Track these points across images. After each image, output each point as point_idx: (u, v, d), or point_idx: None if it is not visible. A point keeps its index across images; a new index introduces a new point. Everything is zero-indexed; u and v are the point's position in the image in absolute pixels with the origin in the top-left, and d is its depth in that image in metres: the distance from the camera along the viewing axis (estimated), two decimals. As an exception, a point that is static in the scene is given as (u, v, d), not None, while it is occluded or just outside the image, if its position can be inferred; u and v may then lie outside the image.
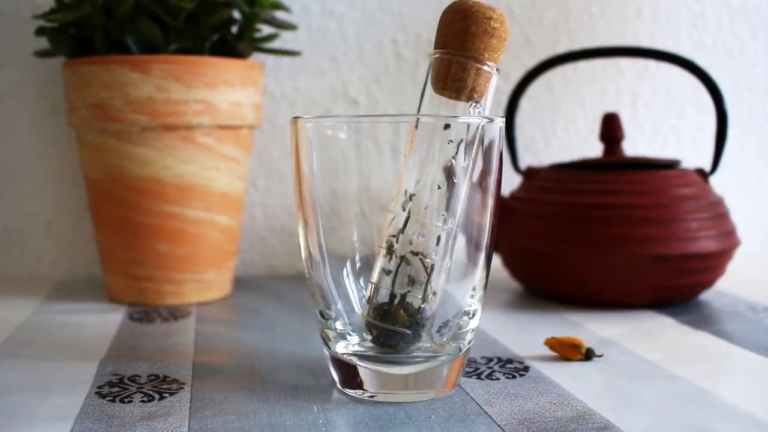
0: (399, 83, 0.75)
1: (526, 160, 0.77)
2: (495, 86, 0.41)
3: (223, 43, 0.62)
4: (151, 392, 0.41)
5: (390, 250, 0.39)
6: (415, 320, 0.39)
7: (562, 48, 0.78)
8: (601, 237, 0.57)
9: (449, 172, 0.39)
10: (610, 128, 0.65)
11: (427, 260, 0.39)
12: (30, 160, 0.71)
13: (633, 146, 0.81)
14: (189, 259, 0.60)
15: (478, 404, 0.39)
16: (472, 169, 0.39)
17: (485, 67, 0.39)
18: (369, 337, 0.40)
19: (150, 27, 0.58)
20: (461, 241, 0.40)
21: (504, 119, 0.40)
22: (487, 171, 0.39)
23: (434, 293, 0.40)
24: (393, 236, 0.39)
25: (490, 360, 0.46)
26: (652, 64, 0.80)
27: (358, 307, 0.40)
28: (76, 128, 0.61)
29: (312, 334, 0.52)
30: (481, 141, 0.39)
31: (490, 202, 0.40)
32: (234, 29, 0.64)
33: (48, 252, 0.72)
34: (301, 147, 0.39)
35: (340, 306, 0.40)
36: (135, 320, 0.56)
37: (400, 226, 0.39)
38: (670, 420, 0.37)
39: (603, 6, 0.79)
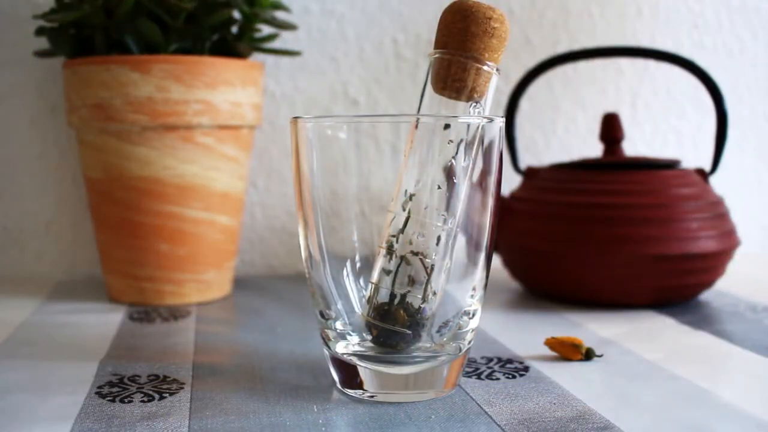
0: (399, 83, 0.75)
1: (526, 160, 0.77)
2: (495, 86, 0.41)
3: (223, 43, 0.62)
4: (151, 392, 0.41)
5: (390, 250, 0.39)
6: (415, 320, 0.39)
7: (562, 48, 0.78)
8: (601, 237, 0.57)
9: (449, 172, 0.39)
10: (610, 128, 0.65)
11: (427, 260, 0.39)
12: (30, 160, 0.71)
13: (633, 146, 0.81)
14: (189, 259, 0.60)
15: (478, 404, 0.39)
16: (472, 169, 0.39)
17: (485, 67, 0.39)
18: (369, 337, 0.40)
19: (150, 27, 0.58)
20: (461, 241, 0.40)
21: (504, 119, 0.40)
22: (487, 171, 0.39)
23: (434, 293, 0.40)
24: (393, 236, 0.39)
25: (490, 360, 0.46)
26: (652, 64, 0.80)
27: (358, 307, 0.40)
28: (76, 128, 0.61)
29: (312, 334, 0.52)
30: (481, 141, 0.39)
31: (490, 202, 0.40)
32: (234, 29, 0.64)
33: (48, 252, 0.72)
34: (301, 147, 0.39)
35: (340, 306, 0.40)
36: (135, 320, 0.56)
37: (400, 226, 0.39)
38: (670, 420, 0.37)
39: (603, 6, 0.79)
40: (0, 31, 0.69)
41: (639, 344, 0.49)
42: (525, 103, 0.78)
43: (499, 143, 0.40)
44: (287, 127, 0.72)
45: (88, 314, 0.58)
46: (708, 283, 0.60)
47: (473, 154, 0.39)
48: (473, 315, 0.41)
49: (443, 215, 0.39)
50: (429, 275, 0.39)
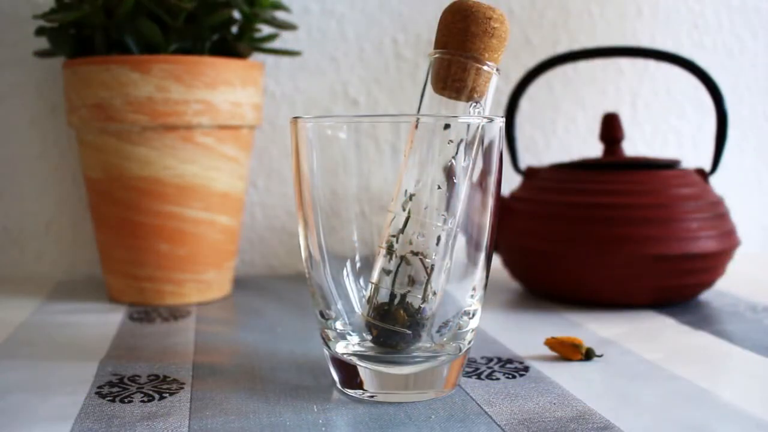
0: (399, 83, 0.75)
1: (526, 160, 0.77)
2: (495, 86, 0.41)
3: (223, 43, 0.62)
4: (151, 392, 0.41)
5: (390, 250, 0.39)
6: (415, 320, 0.39)
7: (562, 48, 0.78)
8: (601, 237, 0.57)
9: (449, 172, 0.39)
10: (610, 128, 0.65)
11: (427, 260, 0.39)
12: (30, 160, 0.71)
13: (633, 146, 0.81)
14: (189, 259, 0.60)
15: (478, 404, 0.39)
16: (472, 169, 0.39)
17: (485, 67, 0.39)
18: (369, 337, 0.40)
19: (150, 27, 0.58)
20: (461, 241, 0.40)
21: (504, 119, 0.40)
22: (487, 171, 0.39)
23: (434, 293, 0.40)
24: (393, 236, 0.39)
25: (490, 360, 0.46)
26: (652, 64, 0.80)
27: (358, 307, 0.40)
28: (76, 128, 0.61)
29: (312, 334, 0.52)
30: (481, 141, 0.39)
31: (490, 202, 0.40)
32: (234, 29, 0.64)
33: (48, 252, 0.72)
34: (301, 147, 0.39)
35: (340, 306, 0.40)
36: (135, 320, 0.56)
37: (400, 226, 0.39)
38: (670, 420, 0.37)
39: (603, 6, 0.79)
40: (0, 31, 0.69)
41: (639, 344, 0.49)
42: (525, 103, 0.78)
43: (499, 143, 0.40)
44: (287, 127, 0.72)
45: (88, 314, 0.58)
46: (708, 283, 0.60)
47: (473, 154, 0.39)
48: (473, 315, 0.41)
49: (443, 215, 0.39)
50: (429, 275, 0.39)
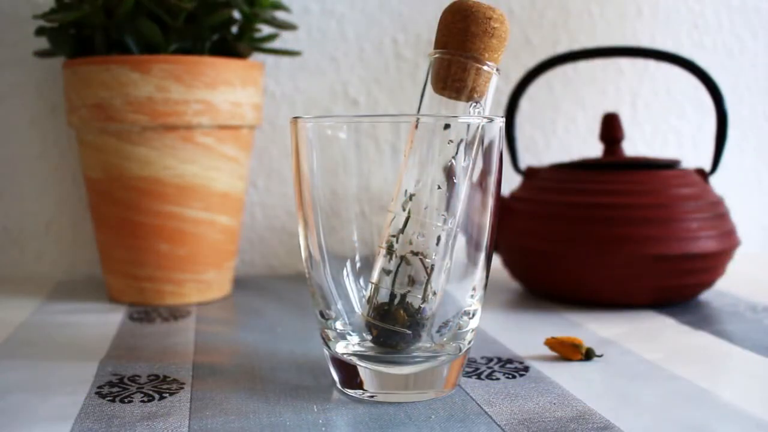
0: (399, 83, 0.75)
1: (526, 160, 0.77)
2: (495, 86, 0.41)
3: (223, 43, 0.62)
4: (151, 392, 0.41)
5: (390, 250, 0.39)
6: (415, 320, 0.39)
7: (562, 48, 0.78)
8: (601, 237, 0.57)
9: (449, 172, 0.39)
10: (610, 128, 0.65)
11: (427, 260, 0.39)
12: (30, 160, 0.71)
13: (633, 146, 0.81)
14: (189, 259, 0.60)
15: (478, 404, 0.39)
16: (472, 169, 0.39)
17: (485, 67, 0.39)
18: (369, 337, 0.40)
19: (150, 27, 0.58)
20: (461, 241, 0.40)
21: (504, 119, 0.40)
22: (487, 171, 0.39)
23: (434, 293, 0.40)
24: (393, 236, 0.39)
25: (490, 360, 0.46)
26: (652, 64, 0.80)
27: (358, 307, 0.40)
28: (76, 128, 0.61)
29: (312, 334, 0.52)
30: (481, 141, 0.39)
31: (490, 202, 0.40)
32: (234, 29, 0.64)
33: (48, 252, 0.72)
34: (301, 147, 0.39)
35: (340, 306, 0.40)
36: (135, 320, 0.56)
37: (400, 226, 0.39)
38: (670, 420, 0.37)
39: (603, 6, 0.79)
40: (0, 31, 0.69)
41: (639, 344, 0.49)
42: (525, 103, 0.78)
43: (499, 143, 0.40)
44: (287, 127, 0.72)
45: (88, 314, 0.58)
46: (708, 283, 0.60)
47: (473, 154, 0.39)
48: (473, 315, 0.41)
49: (443, 215, 0.39)
50: (429, 275, 0.39)
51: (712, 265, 0.58)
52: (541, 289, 0.61)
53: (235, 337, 0.52)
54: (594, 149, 0.78)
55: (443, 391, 0.40)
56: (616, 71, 0.80)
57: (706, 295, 0.63)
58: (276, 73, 0.73)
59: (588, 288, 0.58)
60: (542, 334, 0.49)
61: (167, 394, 0.41)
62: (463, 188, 0.39)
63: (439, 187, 0.39)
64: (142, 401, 0.40)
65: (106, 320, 0.56)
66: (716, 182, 0.70)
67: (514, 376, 0.43)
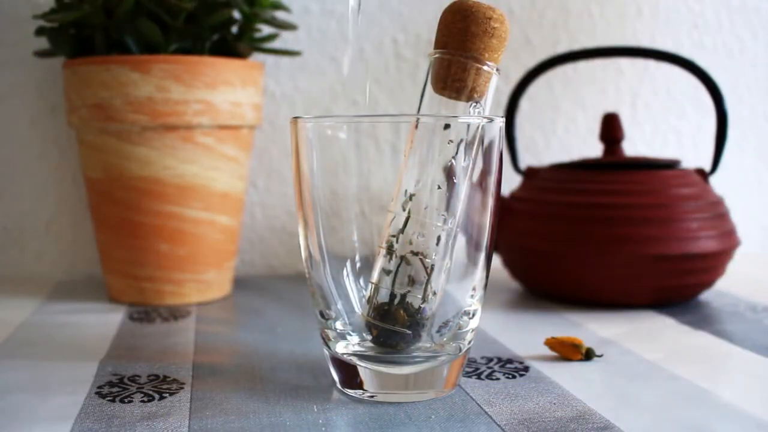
0: (399, 83, 0.75)
1: (526, 160, 0.77)
2: (495, 86, 0.41)
3: (223, 43, 0.62)
4: (151, 392, 0.41)
5: (390, 250, 0.39)
6: (415, 320, 0.39)
7: (562, 48, 0.78)
8: (601, 237, 0.57)
9: (449, 172, 0.39)
10: (610, 128, 0.65)
11: (427, 260, 0.39)
12: (30, 160, 0.71)
13: (633, 146, 0.81)
14: (189, 259, 0.60)
15: (478, 404, 0.39)
16: (472, 169, 0.39)
17: (485, 67, 0.39)
18: (369, 337, 0.40)
19: (150, 27, 0.58)
20: (461, 241, 0.40)
21: (504, 119, 0.40)
22: (487, 171, 0.39)
23: (434, 293, 0.40)
24: (393, 236, 0.39)
25: (490, 360, 0.46)
26: (652, 64, 0.80)
27: (358, 307, 0.40)
28: (76, 128, 0.61)
29: (312, 334, 0.52)
30: (481, 141, 0.39)
31: (490, 202, 0.40)
32: (234, 29, 0.64)
33: (48, 252, 0.72)
34: (301, 147, 0.39)
35: (340, 306, 0.40)
36: (135, 320, 0.56)
37: (400, 226, 0.39)
38: (670, 420, 0.37)
39: (603, 6, 0.79)
40: (0, 31, 0.69)
41: (639, 344, 0.49)
42: (525, 103, 0.78)
43: (499, 143, 0.40)
44: (287, 127, 0.72)
45: (88, 314, 0.58)
46: (708, 283, 0.60)
47: (473, 154, 0.39)
48: (473, 315, 0.41)
49: (443, 215, 0.39)
50: (429, 275, 0.39)
51: (712, 265, 0.58)
52: (541, 289, 0.61)
53: (235, 337, 0.52)
54: (594, 149, 0.78)
55: (443, 391, 0.40)
56: (616, 71, 0.80)
57: (706, 295, 0.63)
58: (276, 73, 0.73)
59: (588, 288, 0.58)
60: (542, 334, 0.49)
61: (167, 394, 0.41)
62: (463, 188, 0.39)
63: (439, 187, 0.39)
64: (142, 401, 0.40)
65: (106, 320, 0.56)
66: (716, 182, 0.70)
67: (514, 376, 0.43)
